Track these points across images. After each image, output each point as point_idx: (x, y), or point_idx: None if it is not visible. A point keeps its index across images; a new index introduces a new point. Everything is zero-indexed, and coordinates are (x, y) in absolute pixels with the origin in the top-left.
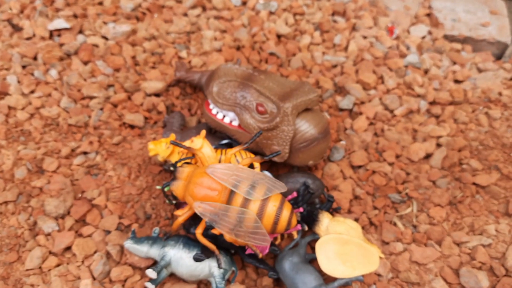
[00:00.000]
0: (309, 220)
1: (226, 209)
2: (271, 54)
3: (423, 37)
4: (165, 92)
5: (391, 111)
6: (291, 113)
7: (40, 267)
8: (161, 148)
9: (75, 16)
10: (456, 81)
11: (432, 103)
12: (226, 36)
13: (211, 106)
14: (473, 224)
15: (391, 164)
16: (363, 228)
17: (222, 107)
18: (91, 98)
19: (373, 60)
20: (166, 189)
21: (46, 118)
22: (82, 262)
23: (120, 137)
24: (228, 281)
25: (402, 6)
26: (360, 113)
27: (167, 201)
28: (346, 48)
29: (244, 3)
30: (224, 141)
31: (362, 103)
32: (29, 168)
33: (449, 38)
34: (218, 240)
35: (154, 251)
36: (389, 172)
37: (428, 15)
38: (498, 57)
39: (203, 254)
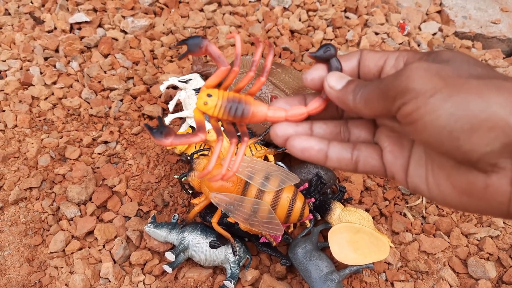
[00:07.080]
0: (322, 209)
1: (241, 200)
2: (285, 49)
3: (434, 34)
4: None
5: None
6: None
7: (63, 250)
8: None
9: (94, 10)
10: None
11: None
12: (241, 31)
13: None
14: (481, 216)
15: None
16: (373, 218)
17: None
18: (111, 89)
19: None
20: (183, 180)
21: (68, 108)
22: (103, 246)
23: (139, 127)
24: (243, 267)
25: (414, 3)
26: None
27: (184, 191)
28: (358, 44)
29: None
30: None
31: None
32: (52, 156)
33: (460, 35)
34: (233, 228)
35: (172, 236)
36: None
37: (439, 12)
38: (509, 54)
39: (219, 241)
